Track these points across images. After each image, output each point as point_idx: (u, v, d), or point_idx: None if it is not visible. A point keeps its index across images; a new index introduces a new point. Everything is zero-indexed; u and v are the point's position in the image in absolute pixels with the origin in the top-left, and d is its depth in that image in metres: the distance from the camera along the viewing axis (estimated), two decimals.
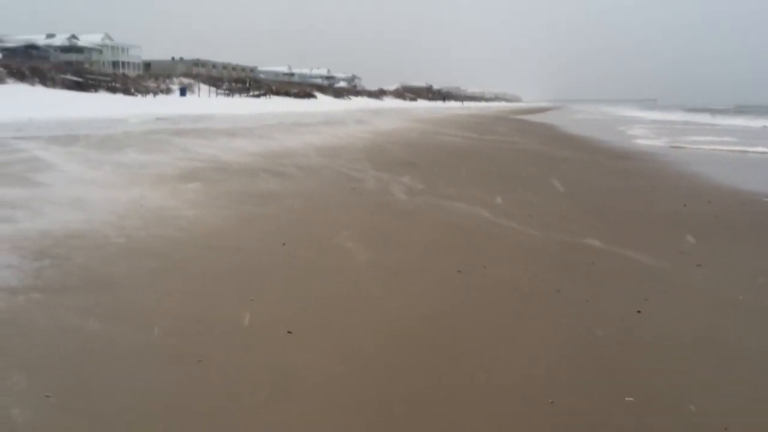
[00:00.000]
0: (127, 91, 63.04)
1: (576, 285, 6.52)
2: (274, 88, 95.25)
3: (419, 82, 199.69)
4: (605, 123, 56.29)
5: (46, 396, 3.87)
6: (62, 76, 58.75)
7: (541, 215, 10.11)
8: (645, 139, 32.26)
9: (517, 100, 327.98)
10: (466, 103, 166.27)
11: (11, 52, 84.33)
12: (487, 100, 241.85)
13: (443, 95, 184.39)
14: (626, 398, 4.15)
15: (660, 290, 6.44)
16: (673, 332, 5.38)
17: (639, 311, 5.78)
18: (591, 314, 5.72)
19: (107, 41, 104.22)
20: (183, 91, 74.16)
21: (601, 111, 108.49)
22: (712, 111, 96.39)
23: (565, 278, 6.76)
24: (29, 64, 60.10)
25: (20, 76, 53.79)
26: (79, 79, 60.20)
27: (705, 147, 26.74)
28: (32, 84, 53.41)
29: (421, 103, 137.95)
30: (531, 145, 26.47)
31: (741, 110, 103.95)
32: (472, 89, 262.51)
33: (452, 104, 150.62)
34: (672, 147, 26.55)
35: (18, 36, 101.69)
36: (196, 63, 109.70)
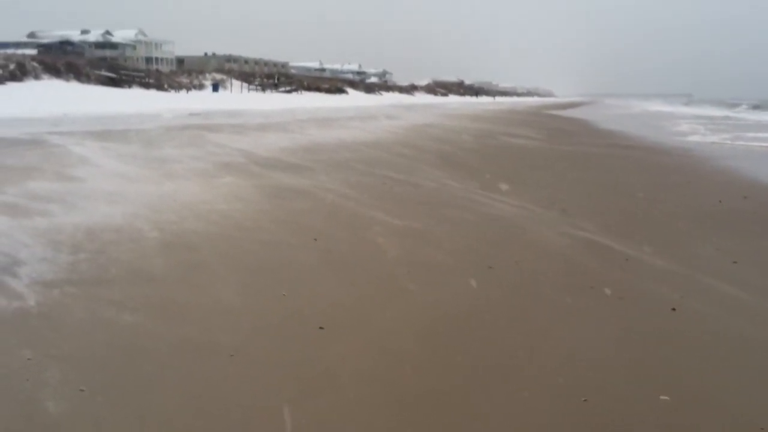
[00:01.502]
0: (160, 87, 63.57)
1: (610, 282, 6.44)
2: (305, 83, 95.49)
3: (451, 77, 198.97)
4: (644, 119, 55.05)
5: (81, 389, 3.90)
6: (96, 71, 59.38)
7: (574, 211, 10.02)
8: (697, 135, 31.01)
9: (549, 95, 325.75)
10: (498, 98, 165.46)
11: (46, 47, 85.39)
12: (519, 95, 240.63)
13: (475, 90, 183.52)
14: (661, 397, 4.09)
15: (695, 287, 6.35)
16: (708, 330, 5.31)
17: (674, 309, 5.71)
18: (625, 311, 5.65)
19: (141, 37, 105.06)
20: (215, 87, 74.65)
21: (638, 106, 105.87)
22: (756, 106, 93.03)
23: (599, 275, 6.69)
24: (64, 59, 60.76)
25: (55, 71, 54.43)
26: (113, 75, 60.82)
27: None
28: (67, 80, 54.03)
29: (453, 98, 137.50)
30: (561, 141, 26.25)
31: None
32: (504, 84, 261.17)
33: (484, 99, 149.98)
34: (732, 145, 25.45)
35: (53, 32, 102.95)
36: (229, 59, 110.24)
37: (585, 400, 4.02)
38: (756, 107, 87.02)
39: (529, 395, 4.09)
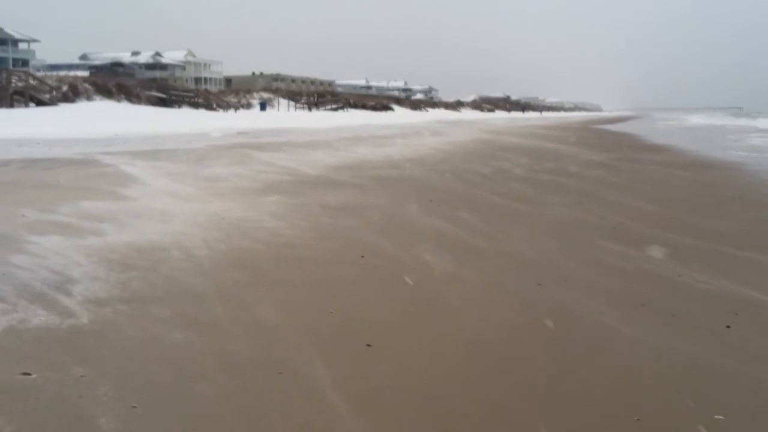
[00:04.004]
0: (209, 107, 64.44)
1: (662, 299, 6.34)
2: (351, 101, 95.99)
3: (497, 93, 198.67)
4: (710, 134, 53.70)
5: (132, 406, 3.95)
6: (147, 92, 60.44)
7: (624, 227, 9.89)
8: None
9: (597, 109, 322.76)
10: (545, 114, 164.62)
11: (98, 69, 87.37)
12: (566, 110, 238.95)
13: (522, 106, 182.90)
14: (716, 416, 4.00)
15: (750, 304, 6.21)
16: (764, 347, 5.18)
17: (728, 326, 5.58)
18: (678, 329, 5.54)
19: (190, 58, 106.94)
20: (263, 106, 75.43)
21: (689, 120, 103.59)
22: None
23: (651, 292, 6.57)
24: (115, 81, 61.97)
25: (107, 92, 55.53)
26: (163, 95, 61.83)
27: None
28: (118, 100, 55.06)
29: (499, 114, 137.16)
30: (613, 155, 25.95)
31: None
32: (550, 99, 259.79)
33: (531, 114, 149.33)
34: None
35: (105, 54, 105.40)
36: (276, 78, 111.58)
37: (638, 420, 3.94)
38: None
39: (581, 416, 4.02)
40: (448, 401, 4.16)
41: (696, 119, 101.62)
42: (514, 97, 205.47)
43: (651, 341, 5.25)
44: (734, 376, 4.62)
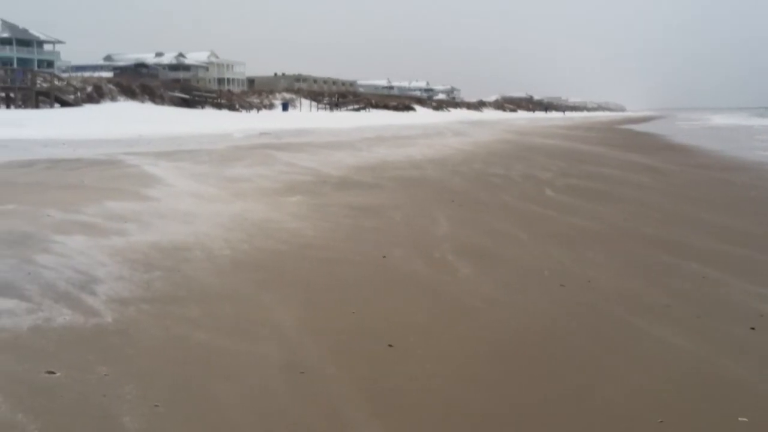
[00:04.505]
0: (231, 107, 64.73)
1: (686, 300, 6.28)
2: (373, 101, 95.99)
3: (519, 93, 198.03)
4: (737, 134, 53.37)
5: (155, 405, 3.97)
6: (170, 93, 60.81)
7: (647, 227, 9.82)
8: None
9: (620, 109, 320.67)
10: (568, 114, 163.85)
11: (122, 70, 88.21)
12: (589, 109, 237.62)
13: (545, 106, 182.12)
14: (740, 418, 3.95)
15: None
16: None
17: (753, 328, 5.52)
18: (702, 330, 5.49)
19: (213, 59, 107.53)
20: (285, 106, 75.65)
21: (718, 121, 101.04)
22: None
23: (674, 293, 6.52)
24: (139, 81, 62.43)
25: (131, 93, 55.93)
26: (186, 96, 62.20)
27: None
28: (142, 101, 55.45)
29: (522, 114, 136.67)
30: (636, 156, 25.78)
31: None
32: (573, 99, 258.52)
33: (554, 114, 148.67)
34: None
35: (129, 55, 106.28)
36: (298, 78, 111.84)
37: (661, 422, 3.91)
38: None
39: (604, 418, 3.99)
40: (470, 402, 4.15)
41: (721, 119, 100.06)
42: (536, 97, 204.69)
43: (674, 343, 5.20)
44: (759, 379, 4.57)
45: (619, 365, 4.78)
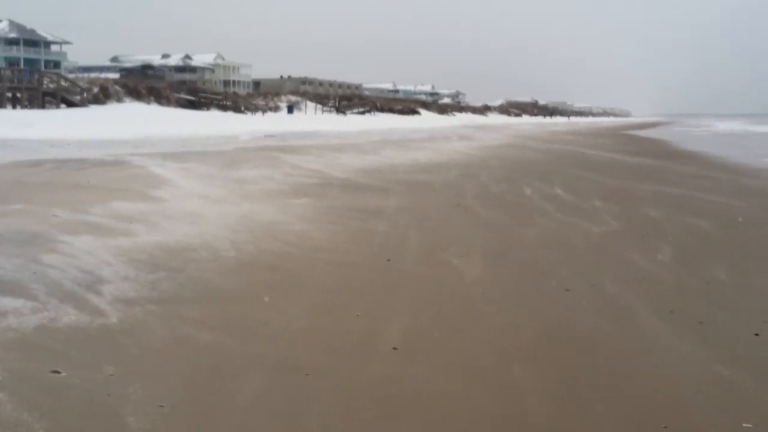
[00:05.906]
0: (237, 109, 64.73)
1: (690, 306, 6.28)
2: (378, 104, 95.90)
3: (524, 97, 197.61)
4: (747, 141, 52.79)
5: (160, 405, 3.97)
6: (176, 94, 60.83)
7: (651, 233, 9.80)
8: None
9: (626, 114, 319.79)
10: (573, 119, 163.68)
11: (129, 71, 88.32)
12: (594, 115, 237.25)
13: (549, 110, 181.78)
14: (744, 424, 3.95)
15: None
16: None
17: (757, 334, 5.51)
18: (706, 336, 5.48)
19: (219, 61, 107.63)
20: (290, 109, 75.64)
21: (726, 127, 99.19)
22: None
23: (678, 299, 6.51)
24: (145, 83, 62.43)
25: (137, 94, 55.94)
26: (193, 98, 62.22)
27: None
28: (148, 102, 55.45)
29: (527, 119, 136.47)
30: (641, 161, 25.74)
31: None
32: (579, 104, 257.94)
33: (558, 120, 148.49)
34: None
35: (135, 56, 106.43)
36: (304, 81, 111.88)
37: (665, 427, 3.90)
38: None
39: (609, 422, 3.99)
40: (474, 406, 4.15)
41: (729, 125, 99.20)
42: (541, 102, 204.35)
43: (678, 348, 5.19)
44: (763, 385, 4.56)
45: (622, 371, 4.77)
